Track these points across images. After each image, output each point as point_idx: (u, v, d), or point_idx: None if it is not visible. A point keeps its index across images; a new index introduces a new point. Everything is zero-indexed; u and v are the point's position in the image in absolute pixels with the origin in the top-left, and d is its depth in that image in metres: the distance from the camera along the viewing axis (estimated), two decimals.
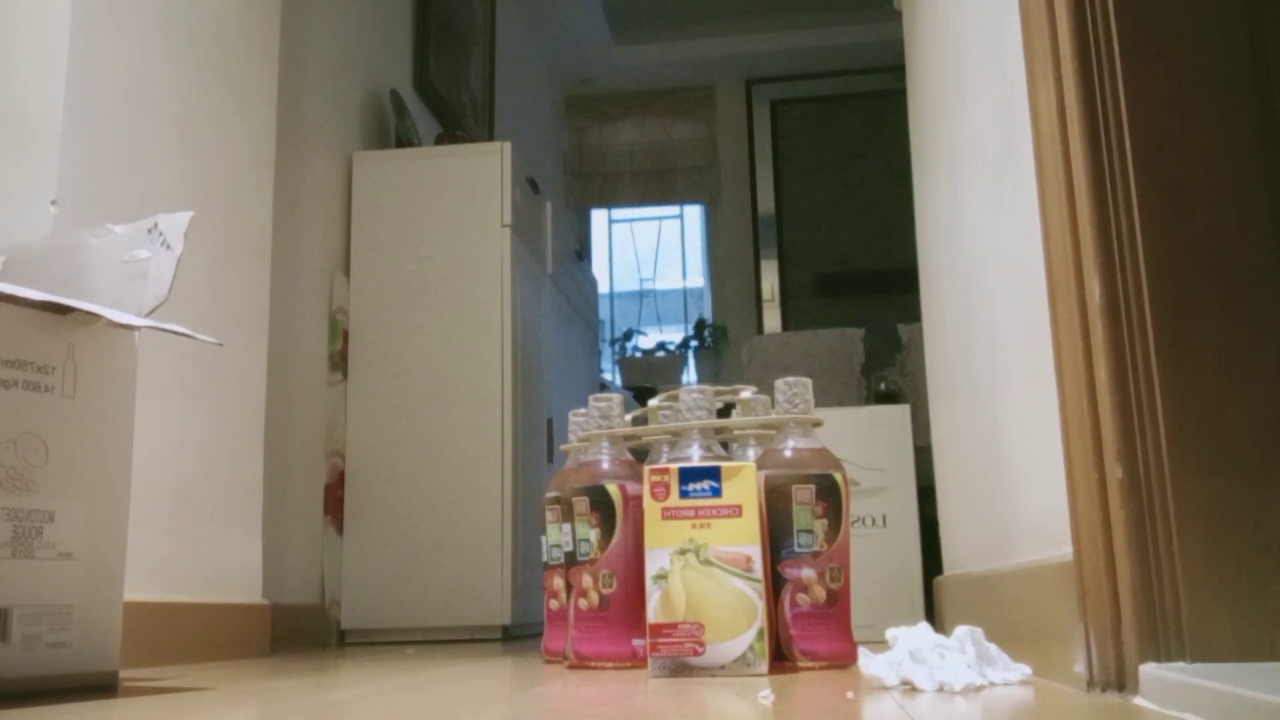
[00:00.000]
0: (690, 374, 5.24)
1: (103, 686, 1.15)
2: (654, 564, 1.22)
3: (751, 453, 1.47)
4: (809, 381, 1.39)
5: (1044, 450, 1.06)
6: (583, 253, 4.11)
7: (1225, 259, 0.84)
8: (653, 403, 1.57)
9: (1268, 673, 0.73)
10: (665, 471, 1.24)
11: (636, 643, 1.34)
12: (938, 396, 1.83)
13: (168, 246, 1.20)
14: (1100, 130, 0.88)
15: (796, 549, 1.31)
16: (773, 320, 5.25)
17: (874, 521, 2.00)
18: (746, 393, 1.54)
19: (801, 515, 1.32)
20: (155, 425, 1.67)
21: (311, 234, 2.55)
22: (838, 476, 1.33)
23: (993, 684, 0.98)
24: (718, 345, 5.22)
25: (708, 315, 5.37)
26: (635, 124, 5.54)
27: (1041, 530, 1.10)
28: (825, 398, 3.34)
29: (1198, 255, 0.84)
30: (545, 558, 1.61)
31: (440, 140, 3.03)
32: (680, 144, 5.47)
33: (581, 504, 1.38)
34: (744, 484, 1.23)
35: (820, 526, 1.31)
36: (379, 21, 3.04)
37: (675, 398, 1.51)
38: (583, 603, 1.37)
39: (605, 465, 1.41)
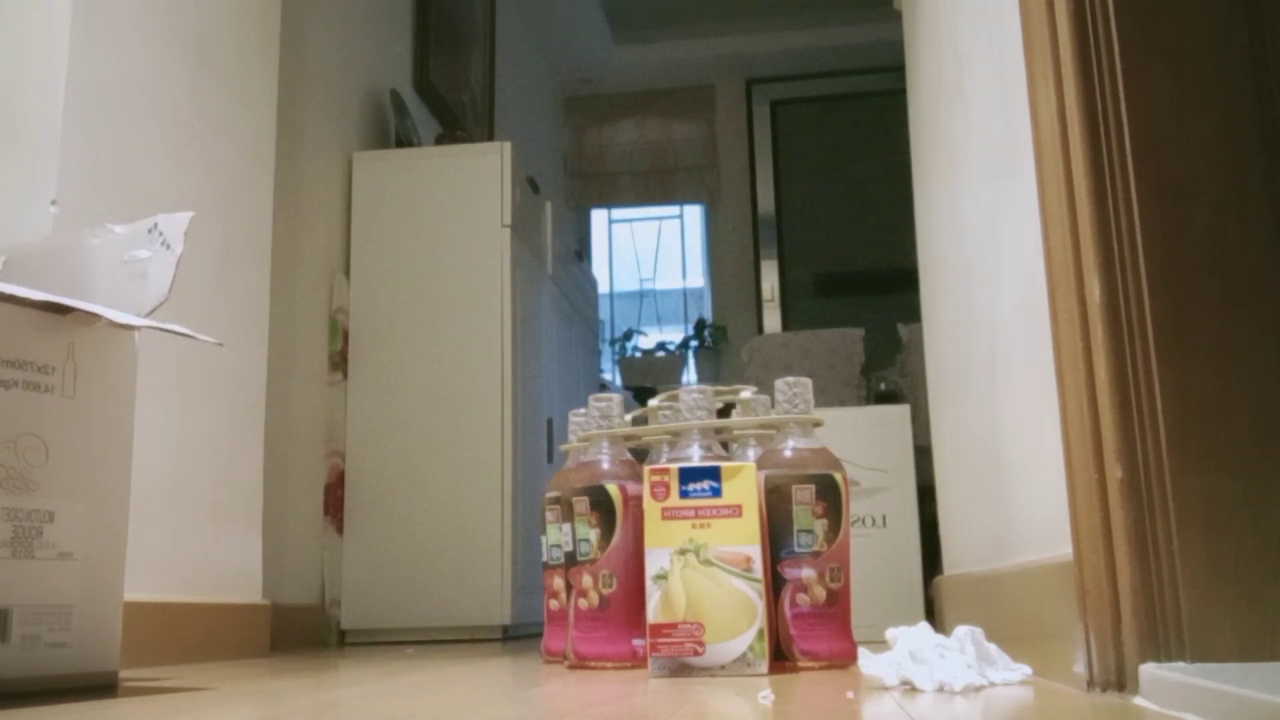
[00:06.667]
0: (690, 374, 5.24)
1: (103, 686, 1.15)
2: (654, 564, 1.22)
3: (751, 453, 1.47)
4: (809, 381, 1.39)
5: (1044, 450, 1.06)
6: (583, 253, 4.11)
7: (1225, 259, 0.84)
8: (653, 403, 1.57)
9: (1268, 673, 0.73)
10: (665, 471, 1.24)
11: (636, 643, 1.34)
12: (938, 396, 1.83)
13: (168, 246, 1.20)
14: (1100, 130, 0.88)
15: (796, 549, 1.31)
16: (773, 320, 5.25)
17: (874, 521, 2.00)
18: (746, 393, 1.54)
19: (801, 515, 1.32)
20: (155, 425, 1.67)
21: (311, 234, 2.55)
22: (838, 476, 1.33)
23: (993, 684, 0.98)
24: (718, 345, 5.21)
25: (708, 315, 5.37)
26: (635, 124, 5.54)
27: (1041, 530, 1.10)
28: (825, 398, 3.34)
29: (1198, 255, 0.84)
30: (545, 558, 1.61)
31: (440, 140, 3.03)
32: (680, 144, 5.47)
33: (581, 504, 1.38)
34: (744, 484, 1.23)
35: (820, 526, 1.31)
36: (379, 21, 3.04)
37: (675, 398, 1.51)
38: (583, 603, 1.37)
39: (605, 465, 1.41)
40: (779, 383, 1.38)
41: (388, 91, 3.06)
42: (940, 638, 1.02)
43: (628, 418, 1.51)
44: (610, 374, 5.32)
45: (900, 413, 2.07)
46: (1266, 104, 0.86)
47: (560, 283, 3.29)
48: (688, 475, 1.23)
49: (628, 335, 5.30)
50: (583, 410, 1.60)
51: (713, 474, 1.23)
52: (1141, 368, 0.84)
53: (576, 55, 5.20)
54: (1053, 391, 0.99)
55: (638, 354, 5.25)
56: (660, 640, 1.20)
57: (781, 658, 1.30)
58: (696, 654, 1.19)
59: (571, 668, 1.38)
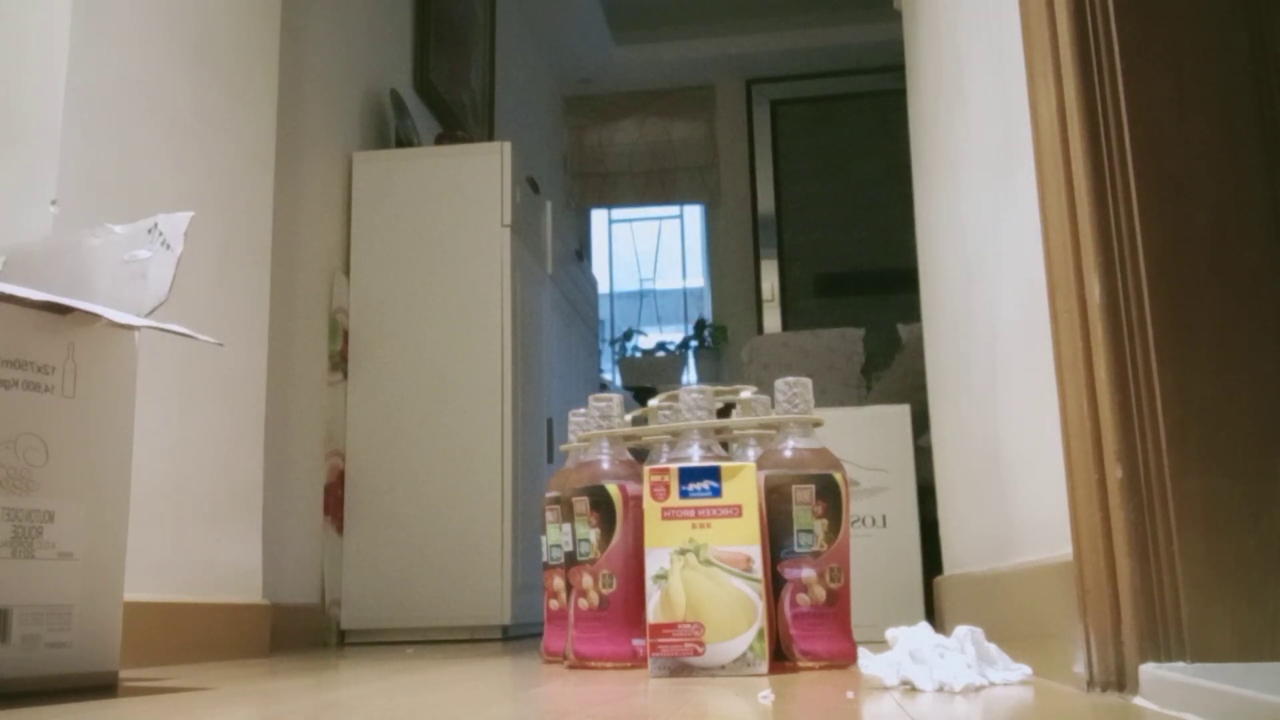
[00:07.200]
0: (690, 374, 5.24)
1: (103, 686, 1.15)
2: (654, 564, 1.22)
3: (751, 453, 1.47)
4: (809, 381, 1.39)
5: (1044, 450, 1.06)
6: (583, 253, 4.11)
7: (1225, 259, 0.84)
8: (653, 403, 1.57)
9: (1268, 673, 0.73)
10: (665, 471, 1.24)
11: (636, 643, 1.34)
12: (938, 396, 1.83)
13: (168, 246, 1.20)
14: (1100, 130, 0.88)
15: (796, 549, 1.31)
16: (773, 320, 5.25)
17: (874, 521, 2.00)
18: (746, 393, 1.54)
19: (801, 515, 1.32)
20: (155, 425, 1.67)
21: (311, 234, 2.55)
22: (838, 476, 1.33)
23: (993, 684, 0.98)
24: (718, 345, 5.21)
25: (708, 315, 5.37)
26: (635, 124, 5.54)
27: (1041, 530, 1.10)
28: (825, 398, 3.34)
29: (1198, 255, 0.84)
30: (545, 558, 1.61)
31: (440, 140, 3.03)
32: (680, 144, 5.47)
33: (581, 504, 1.38)
34: (744, 484, 1.23)
35: (820, 526, 1.31)
36: (379, 21, 3.04)
37: (675, 398, 1.51)
38: (583, 603, 1.37)
39: (605, 465, 1.41)
40: (779, 383, 1.38)
41: (388, 91, 3.06)
42: (940, 638, 1.02)
43: (628, 418, 1.51)
44: (610, 374, 5.32)
45: (900, 413, 2.07)
46: (1266, 104, 0.86)
47: (560, 283, 3.29)
48: (688, 475, 1.23)
49: (628, 335, 5.30)
50: (583, 410, 1.60)
51: (713, 474, 1.23)
52: (1141, 368, 0.84)
53: (576, 55, 5.20)
54: (1053, 391, 0.99)
55: (638, 354, 5.25)
56: (660, 640, 1.20)
57: (781, 658, 1.30)
58: (696, 654, 1.19)
59: (571, 668, 1.38)
